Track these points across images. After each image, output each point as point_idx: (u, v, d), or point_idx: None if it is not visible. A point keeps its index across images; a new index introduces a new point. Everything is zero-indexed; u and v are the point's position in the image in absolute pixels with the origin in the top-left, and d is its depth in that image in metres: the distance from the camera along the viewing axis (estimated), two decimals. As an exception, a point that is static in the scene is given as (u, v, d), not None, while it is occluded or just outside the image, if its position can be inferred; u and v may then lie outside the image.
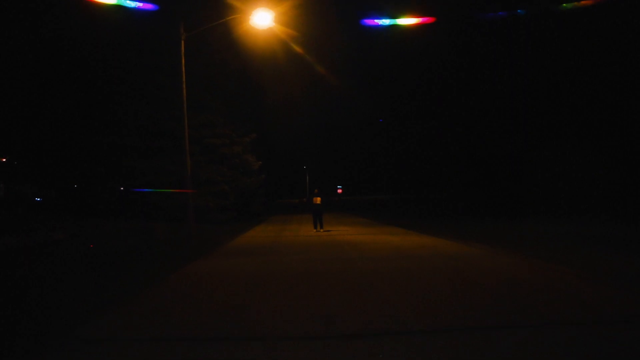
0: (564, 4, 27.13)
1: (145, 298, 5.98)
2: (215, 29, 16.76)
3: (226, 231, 17.34)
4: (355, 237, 14.01)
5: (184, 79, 14.55)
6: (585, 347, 3.68)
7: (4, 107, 22.21)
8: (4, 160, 44.32)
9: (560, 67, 33.01)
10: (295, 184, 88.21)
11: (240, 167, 23.65)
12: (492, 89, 39.39)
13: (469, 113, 42.96)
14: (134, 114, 19.70)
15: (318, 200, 16.69)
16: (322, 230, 16.22)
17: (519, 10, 32.82)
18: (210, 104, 20.71)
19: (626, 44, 26.82)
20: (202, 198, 19.46)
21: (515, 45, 36.12)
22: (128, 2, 17.49)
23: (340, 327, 4.39)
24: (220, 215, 21.39)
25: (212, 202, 20.69)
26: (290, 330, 4.38)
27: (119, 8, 17.97)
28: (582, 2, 24.68)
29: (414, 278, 6.89)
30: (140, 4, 18.05)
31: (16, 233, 12.72)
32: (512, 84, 38.04)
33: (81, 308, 5.43)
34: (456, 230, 15.29)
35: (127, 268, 8.70)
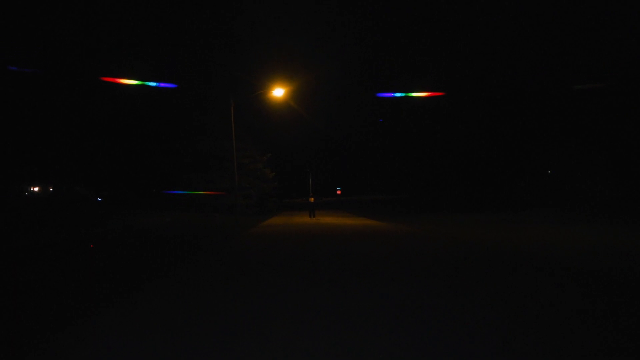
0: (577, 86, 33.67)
1: (242, 238, 16.04)
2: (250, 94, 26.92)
3: (255, 220, 27.43)
4: (332, 221, 24.06)
5: (233, 128, 24.57)
6: (363, 242, 13.71)
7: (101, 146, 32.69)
8: (65, 167, 54.68)
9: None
10: (301, 185, 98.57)
11: (261, 177, 33.85)
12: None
13: (464, 123, 48.58)
14: (195, 142, 30.06)
15: (312, 200, 26.90)
16: (314, 218, 26.29)
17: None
18: (242, 136, 30.89)
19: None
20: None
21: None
22: (150, 82, 28.50)
23: (312, 235, 14.42)
24: (247, 210, 31.57)
25: (242, 201, 30.85)
26: (293, 238, 14.39)
27: (142, 87, 28.41)
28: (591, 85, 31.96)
29: (344, 231, 16.91)
30: (161, 84, 29.23)
31: (144, 217, 22.85)
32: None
33: (229, 236, 15.50)
34: (404, 219, 25.21)
35: (220, 231, 18.76)
